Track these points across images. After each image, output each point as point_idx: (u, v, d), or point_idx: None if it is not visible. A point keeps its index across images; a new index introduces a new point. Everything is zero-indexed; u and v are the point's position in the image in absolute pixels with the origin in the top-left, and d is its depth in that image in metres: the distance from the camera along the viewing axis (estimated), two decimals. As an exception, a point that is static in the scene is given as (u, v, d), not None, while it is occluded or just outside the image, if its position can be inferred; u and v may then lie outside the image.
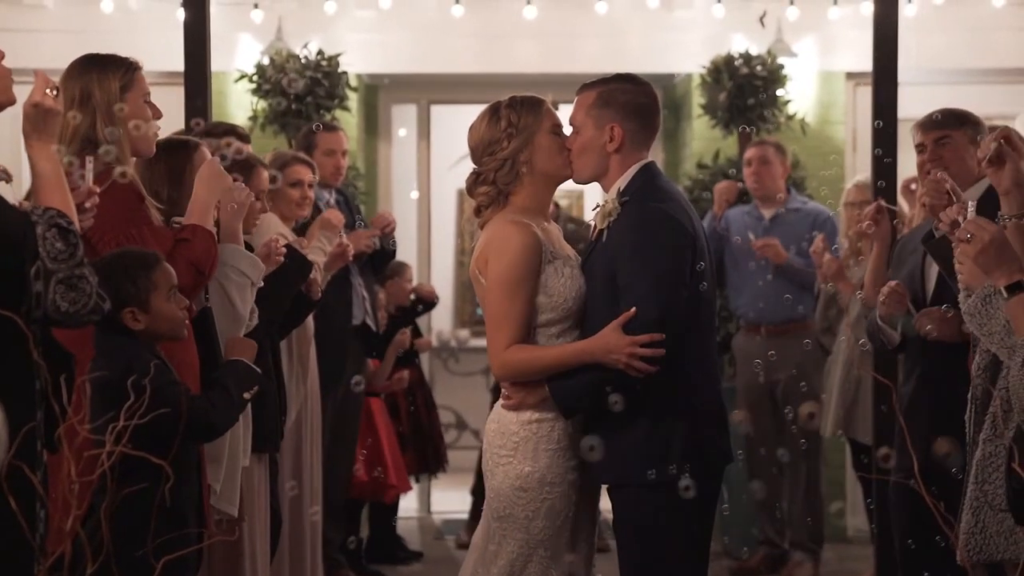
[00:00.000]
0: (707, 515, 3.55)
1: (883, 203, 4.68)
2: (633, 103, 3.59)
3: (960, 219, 3.19)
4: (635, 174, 3.54)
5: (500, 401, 3.59)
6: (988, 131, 4.22)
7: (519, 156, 3.56)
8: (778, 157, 6.52)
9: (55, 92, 2.76)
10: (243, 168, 4.29)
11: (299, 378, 4.94)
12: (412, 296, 6.85)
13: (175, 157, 3.86)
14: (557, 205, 6.04)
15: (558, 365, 3.46)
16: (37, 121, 2.77)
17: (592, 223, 3.61)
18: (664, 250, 3.41)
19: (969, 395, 3.31)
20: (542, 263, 3.49)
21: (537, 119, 3.58)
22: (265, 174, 4.50)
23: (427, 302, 6.95)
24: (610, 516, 3.58)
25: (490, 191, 3.59)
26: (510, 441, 3.51)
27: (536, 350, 3.49)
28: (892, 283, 4.32)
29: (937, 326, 4.09)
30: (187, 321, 3.44)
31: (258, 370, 3.48)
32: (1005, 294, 2.82)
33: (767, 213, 6.54)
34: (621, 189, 3.52)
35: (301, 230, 5.29)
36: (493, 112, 3.61)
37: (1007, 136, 3.14)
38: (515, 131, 3.56)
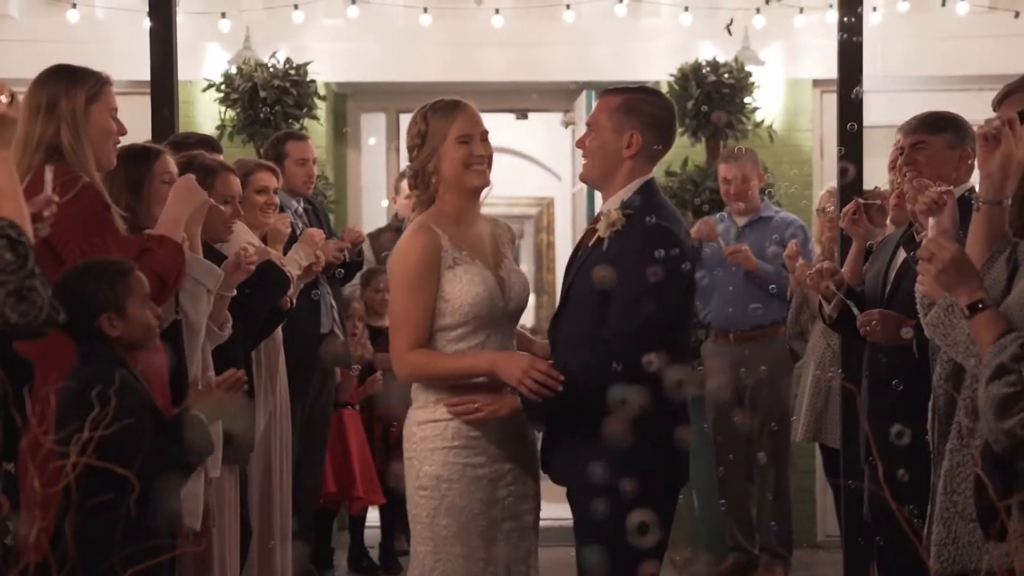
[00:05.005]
0: (667, 520, 3.54)
1: (861, 200, 4.71)
2: (656, 116, 3.61)
3: (940, 188, 3.20)
4: (638, 189, 3.56)
5: (411, 409, 3.61)
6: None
7: (427, 165, 3.59)
8: (755, 171, 6.56)
9: (9, 99, 2.73)
10: (210, 174, 4.28)
11: (267, 387, 4.92)
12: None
13: (135, 165, 3.85)
14: None
15: (457, 372, 3.51)
16: None
17: (595, 229, 3.56)
18: (661, 268, 3.41)
19: (930, 405, 3.32)
20: (441, 268, 3.51)
21: (445, 126, 3.58)
22: (235, 179, 4.49)
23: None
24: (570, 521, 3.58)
25: (420, 195, 3.64)
26: (411, 444, 3.56)
27: (437, 355, 3.52)
28: (824, 263, 4.40)
29: (874, 328, 4.16)
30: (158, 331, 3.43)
31: (212, 438, 3.44)
32: (967, 312, 2.83)
33: (740, 220, 6.57)
34: (624, 201, 3.53)
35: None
36: (413, 119, 3.65)
37: (1012, 121, 3.12)
38: (422, 140, 3.60)
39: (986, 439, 2.79)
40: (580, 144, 3.64)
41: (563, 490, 3.63)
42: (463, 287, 3.52)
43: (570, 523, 3.61)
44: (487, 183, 3.63)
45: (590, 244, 3.56)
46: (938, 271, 2.86)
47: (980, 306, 2.79)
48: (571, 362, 3.46)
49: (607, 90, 3.68)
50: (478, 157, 3.58)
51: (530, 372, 3.37)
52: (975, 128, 3.24)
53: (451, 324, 3.53)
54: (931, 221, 3.19)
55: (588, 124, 3.64)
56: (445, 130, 3.57)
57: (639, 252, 3.42)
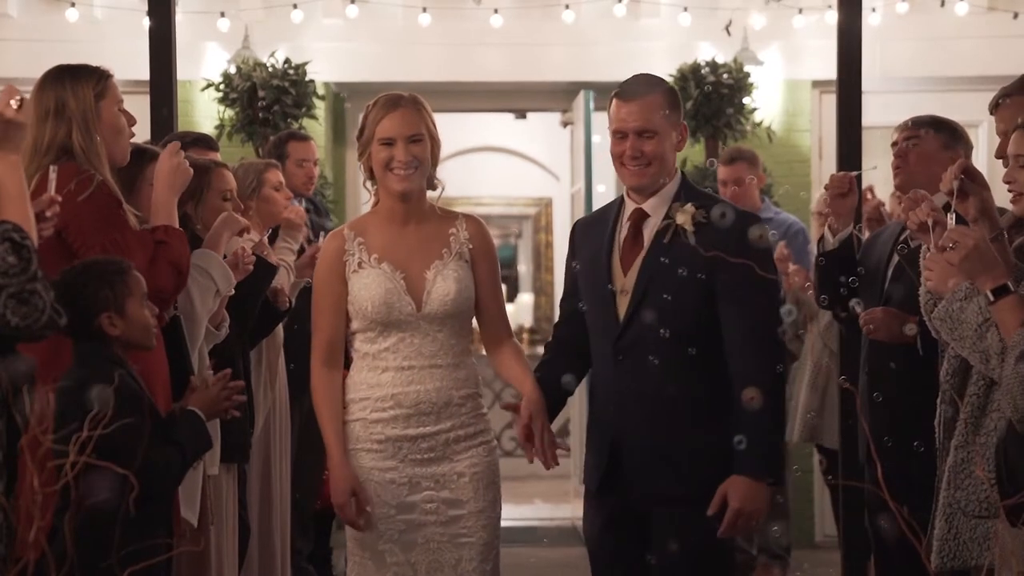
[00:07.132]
0: None
1: (852, 175, 4.67)
2: (680, 101, 3.60)
3: (929, 221, 3.22)
4: (683, 178, 3.53)
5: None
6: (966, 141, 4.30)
7: (362, 161, 3.58)
8: (752, 172, 6.53)
9: (19, 104, 2.73)
10: (206, 171, 4.27)
11: (267, 385, 4.92)
12: None
13: (129, 164, 3.84)
14: None
15: (324, 433, 3.52)
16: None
17: (671, 223, 3.45)
18: (768, 245, 3.46)
19: (938, 400, 3.33)
20: (346, 272, 3.50)
21: (374, 125, 3.53)
22: (229, 175, 4.49)
23: None
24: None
25: (373, 191, 3.61)
26: None
27: (323, 401, 3.52)
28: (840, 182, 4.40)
29: (877, 326, 4.15)
30: (156, 330, 3.44)
31: (209, 434, 3.45)
32: (991, 297, 2.84)
33: (739, 221, 6.56)
34: (676, 193, 3.47)
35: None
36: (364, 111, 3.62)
37: (966, 170, 3.15)
38: (359, 137, 3.58)
39: (1009, 421, 2.80)
40: (638, 153, 3.44)
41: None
42: (361, 291, 3.49)
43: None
44: (405, 189, 3.50)
45: (665, 241, 3.42)
46: (961, 258, 2.87)
47: (1005, 291, 2.81)
48: (749, 389, 3.34)
49: (627, 91, 3.49)
50: (398, 162, 3.48)
51: (344, 507, 3.43)
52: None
53: (360, 327, 3.53)
54: (950, 217, 3.19)
55: (643, 131, 3.43)
56: (373, 129, 3.52)
57: (750, 235, 3.36)
